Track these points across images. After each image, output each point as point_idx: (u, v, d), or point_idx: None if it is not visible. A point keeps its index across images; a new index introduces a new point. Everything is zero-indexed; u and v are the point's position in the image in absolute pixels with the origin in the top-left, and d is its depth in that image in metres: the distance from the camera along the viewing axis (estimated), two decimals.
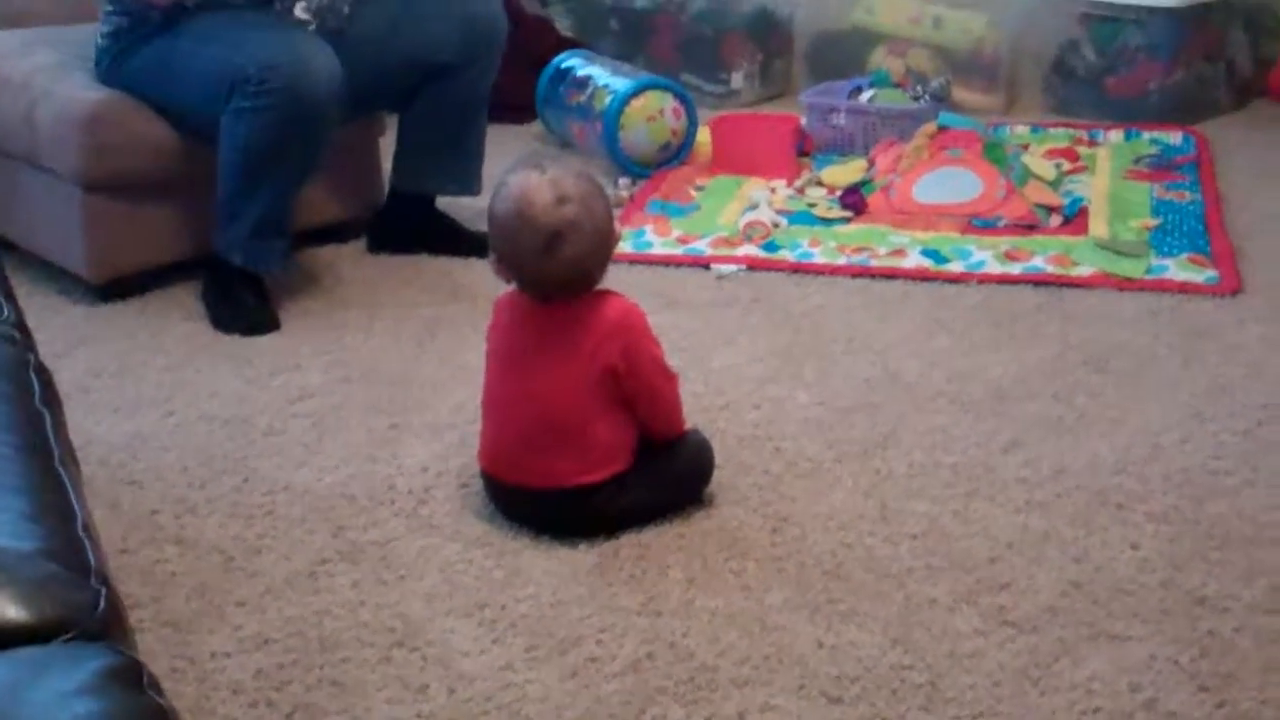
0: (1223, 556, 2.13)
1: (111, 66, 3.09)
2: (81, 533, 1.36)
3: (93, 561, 1.32)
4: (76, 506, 1.42)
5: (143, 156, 3.09)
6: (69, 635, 1.19)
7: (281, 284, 3.16)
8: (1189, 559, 2.13)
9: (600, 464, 2.22)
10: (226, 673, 1.94)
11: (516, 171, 2.21)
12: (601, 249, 2.20)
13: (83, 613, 1.22)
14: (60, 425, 1.64)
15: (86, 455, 2.31)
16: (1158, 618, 2.00)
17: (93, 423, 2.61)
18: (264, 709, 1.87)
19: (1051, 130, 4.23)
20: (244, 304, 3.06)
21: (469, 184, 3.41)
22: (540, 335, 2.23)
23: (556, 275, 2.18)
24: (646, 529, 2.24)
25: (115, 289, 3.18)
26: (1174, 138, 4.09)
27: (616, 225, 2.27)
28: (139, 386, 2.79)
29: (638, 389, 2.23)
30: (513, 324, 2.28)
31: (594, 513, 2.23)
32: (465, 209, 3.46)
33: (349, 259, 3.42)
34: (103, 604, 1.24)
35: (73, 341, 2.97)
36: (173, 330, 3.04)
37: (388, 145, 3.46)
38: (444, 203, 3.46)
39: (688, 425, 2.34)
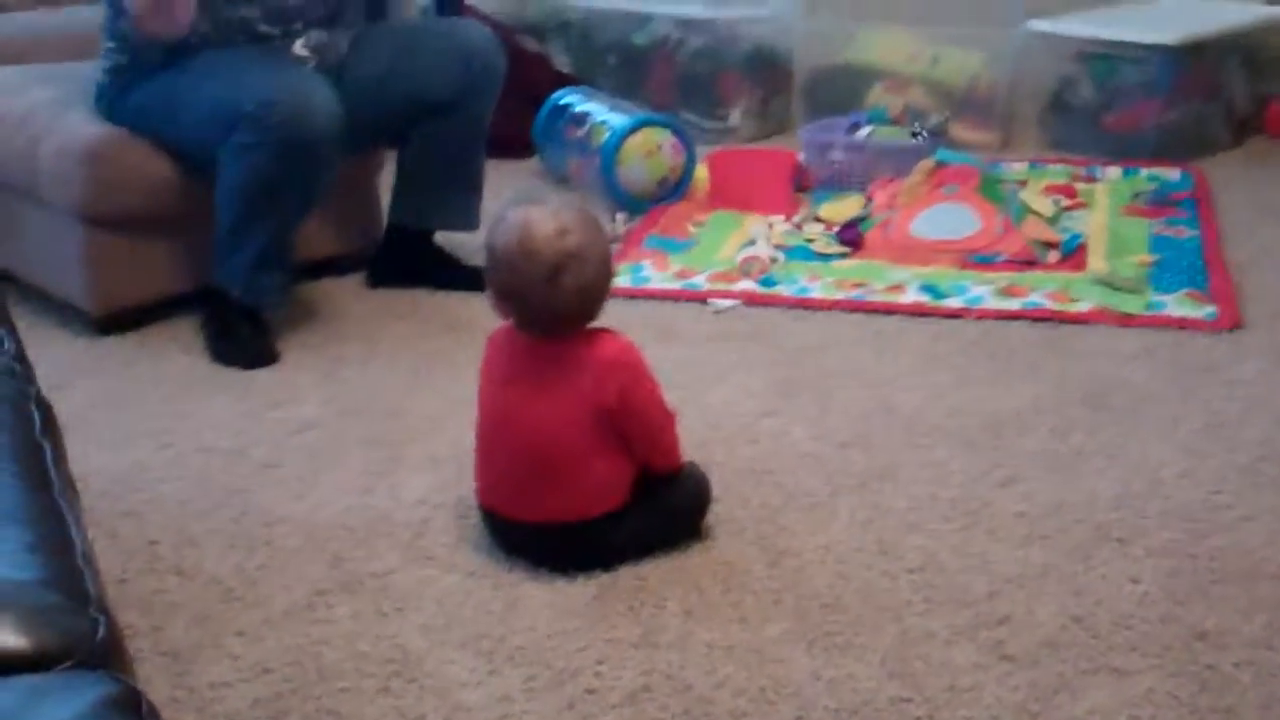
0: (1222, 591, 2.13)
1: (112, 103, 3.10)
2: (81, 562, 1.36)
3: (92, 591, 1.31)
4: (76, 537, 1.42)
5: (143, 191, 3.09)
6: (68, 664, 1.19)
7: (280, 317, 3.16)
8: (1189, 594, 2.13)
9: (597, 500, 2.22)
10: (225, 702, 1.93)
11: (516, 206, 2.21)
12: (603, 280, 2.20)
13: (82, 641, 1.22)
14: (60, 457, 1.65)
15: (86, 486, 2.30)
16: (1157, 652, 2.00)
17: (92, 453, 2.61)
18: None
19: (1049, 167, 4.25)
20: (242, 337, 3.07)
21: (469, 219, 3.42)
22: (535, 371, 2.23)
23: (560, 307, 2.18)
24: (644, 562, 2.23)
25: (115, 322, 3.19)
26: (1172, 174, 4.11)
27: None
28: (138, 418, 2.79)
29: (635, 428, 2.22)
30: (507, 359, 2.28)
31: (591, 548, 2.23)
32: (463, 244, 3.47)
33: (348, 292, 3.43)
34: (102, 632, 1.24)
35: (72, 373, 2.98)
36: (171, 363, 3.05)
37: (386, 180, 3.48)
38: (442, 238, 3.47)
39: (685, 459, 2.34)
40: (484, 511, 2.31)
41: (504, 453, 2.25)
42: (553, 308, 2.18)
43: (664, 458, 2.29)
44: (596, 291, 2.20)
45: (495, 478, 2.28)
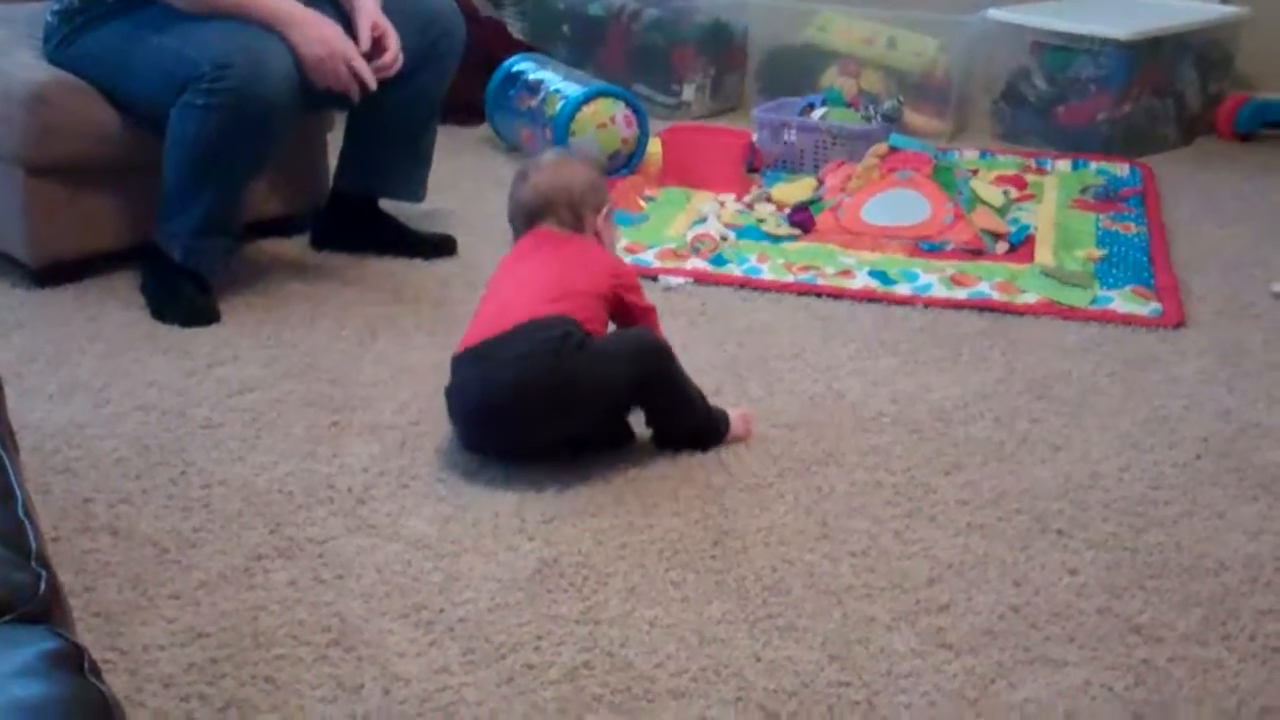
0: (1159, 585, 2.14)
1: (60, 46, 3.04)
2: (23, 515, 1.33)
3: (34, 544, 1.29)
4: (17, 488, 1.40)
5: (87, 141, 3.04)
6: (9, 617, 1.17)
7: (222, 276, 3.12)
8: (1126, 587, 2.14)
9: (571, 313, 2.39)
10: (158, 665, 1.91)
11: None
12: (562, 185, 2.56)
13: (24, 594, 1.20)
14: (1, 405, 1.61)
15: (20, 440, 2.26)
16: (1094, 644, 2.01)
17: (26, 408, 2.56)
18: (196, 703, 1.84)
19: (1000, 157, 4.26)
20: (184, 294, 3.01)
21: (413, 190, 3.37)
22: (549, 243, 2.53)
23: (528, 201, 2.57)
24: (586, 537, 2.22)
25: (53, 274, 3.13)
26: (1121, 170, 4.13)
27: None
28: (75, 373, 2.74)
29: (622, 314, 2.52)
30: (529, 244, 2.56)
31: (557, 359, 2.32)
32: (409, 209, 3.44)
33: (292, 254, 3.39)
34: (44, 587, 1.22)
35: (8, 325, 2.93)
36: (111, 318, 3.00)
37: (335, 140, 3.43)
38: (387, 203, 3.43)
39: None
40: (455, 361, 2.44)
41: (500, 296, 2.47)
42: (523, 203, 2.58)
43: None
44: (557, 191, 2.56)
45: (480, 321, 2.45)
